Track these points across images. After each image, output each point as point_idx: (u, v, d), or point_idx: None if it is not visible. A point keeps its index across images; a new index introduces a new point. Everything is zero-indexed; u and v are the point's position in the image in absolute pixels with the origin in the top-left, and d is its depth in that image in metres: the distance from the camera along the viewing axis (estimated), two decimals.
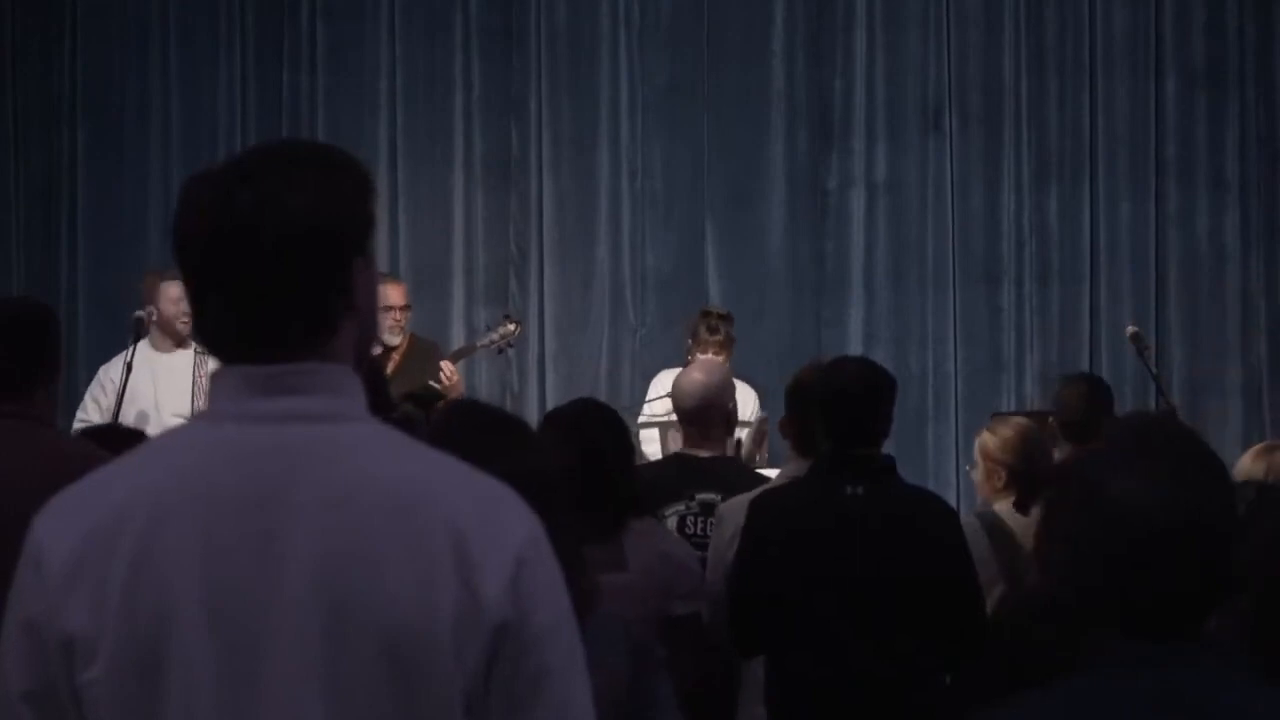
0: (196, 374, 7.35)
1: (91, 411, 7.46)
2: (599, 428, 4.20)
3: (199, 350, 7.32)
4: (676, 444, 5.87)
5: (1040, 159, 9.20)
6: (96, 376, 7.70)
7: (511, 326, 8.22)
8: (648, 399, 7.89)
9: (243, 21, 9.51)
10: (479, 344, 8.33)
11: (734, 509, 4.94)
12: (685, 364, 8.41)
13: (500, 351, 8.41)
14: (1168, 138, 9.15)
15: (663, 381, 8.18)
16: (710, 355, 8.32)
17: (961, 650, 4.38)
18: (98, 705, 1.78)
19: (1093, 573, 1.85)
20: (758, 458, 7.62)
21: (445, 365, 7.75)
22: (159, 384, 7.42)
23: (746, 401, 8.36)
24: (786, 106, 9.32)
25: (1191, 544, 1.82)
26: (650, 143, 9.36)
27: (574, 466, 3.95)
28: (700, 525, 5.19)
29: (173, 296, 7.34)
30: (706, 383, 5.50)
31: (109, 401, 7.37)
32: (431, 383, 7.64)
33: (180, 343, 7.45)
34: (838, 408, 4.50)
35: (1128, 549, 1.83)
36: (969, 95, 9.23)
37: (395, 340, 7.91)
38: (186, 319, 7.29)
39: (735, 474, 5.37)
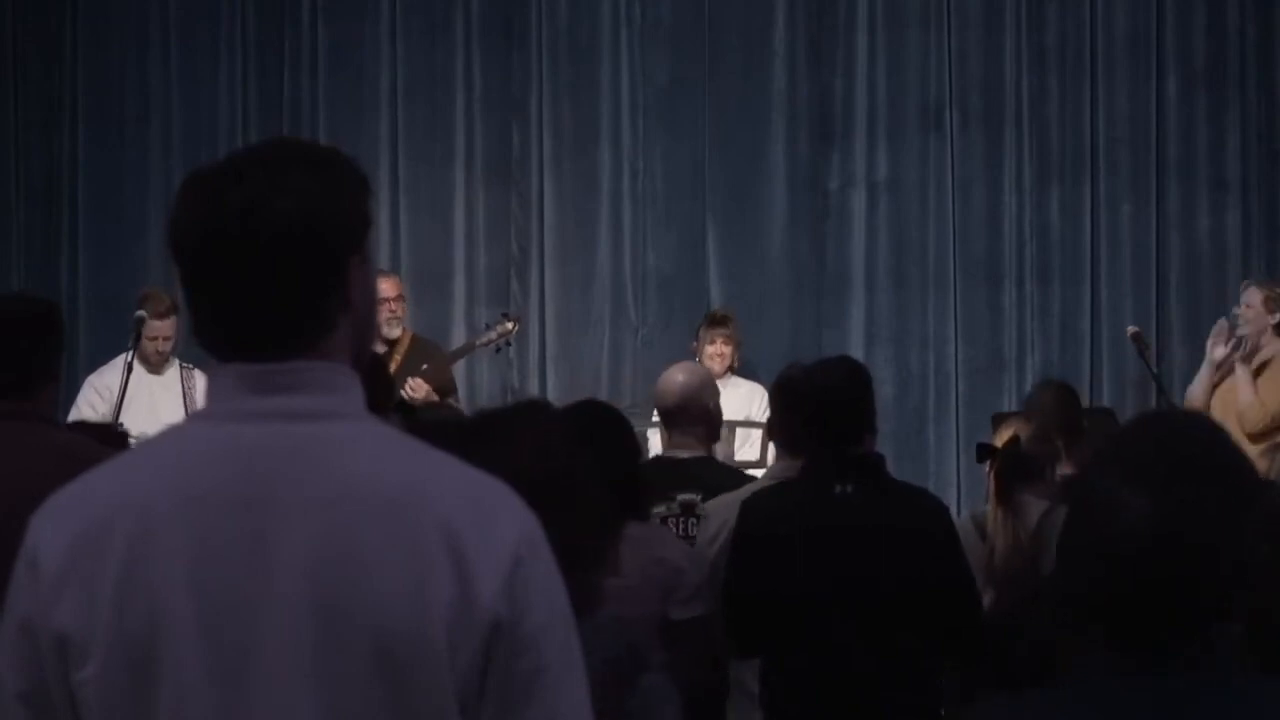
0: (184, 386, 7.47)
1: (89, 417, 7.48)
2: (603, 429, 4.20)
3: (184, 365, 7.51)
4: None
5: (1041, 159, 9.20)
6: (90, 383, 7.73)
7: (509, 325, 8.26)
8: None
9: (243, 21, 9.51)
10: (477, 342, 8.38)
11: (717, 508, 4.95)
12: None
13: (498, 350, 8.45)
14: (1168, 138, 9.14)
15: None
16: (720, 343, 8.35)
17: (959, 649, 4.38)
18: (90, 705, 1.78)
19: (1080, 579, 1.84)
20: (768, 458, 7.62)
21: (410, 382, 7.80)
22: (155, 396, 7.50)
23: (757, 401, 8.37)
24: (787, 106, 9.31)
25: (1173, 555, 1.79)
26: (651, 143, 9.36)
27: (581, 467, 3.95)
28: (681, 526, 5.19)
29: (150, 334, 7.55)
30: (686, 383, 5.50)
31: (106, 408, 7.40)
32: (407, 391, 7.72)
33: (152, 369, 7.65)
34: (830, 409, 4.50)
35: (1110, 558, 1.81)
36: (969, 95, 9.22)
37: (395, 333, 7.98)
38: (160, 354, 7.58)
39: (716, 474, 5.36)
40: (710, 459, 5.53)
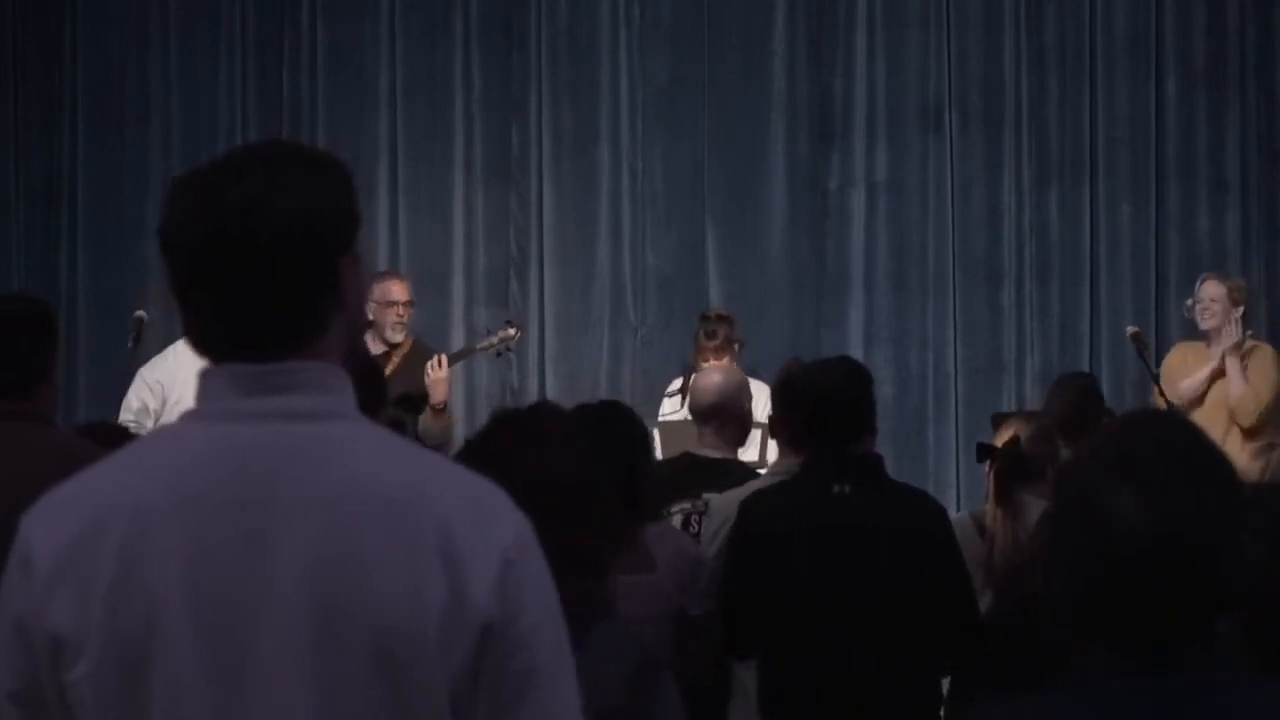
0: None
1: (142, 418, 7.25)
2: (624, 431, 4.23)
3: None
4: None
5: (1040, 159, 9.19)
6: (141, 376, 7.41)
7: (512, 331, 8.23)
8: (662, 411, 7.92)
9: (243, 21, 9.51)
10: (478, 346, 8.35)
11: (721, 506, 4.95)
12: (691, 368, 8.44)
13: (498, 355, 8.43)
14: (1168, 138, 9.14)
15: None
16: (712, 359, 8.35)
17: (957, 650, 4.37)
18: (84, 705, 1.78)
19: (1078, 581, 1.84)
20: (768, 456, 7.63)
21: (437, 359, 7.72)
22: None
23: (760, 400, 8.36)
24: (787, 106, 9.31)
25: (1172, 555, 1.79)
26: (650, 143, 9.36)
27: (602, 471, 3.95)
28: (703, 525, 5.21)
29: None
30: (724, 384, 5.58)
31: (157, 404, 7.27)
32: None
33: None
34: (827, 409, 4.50)
35: (1109, 559, 1.81)
36: (969, 95, 9.22)
37: (399, 338, 7.88)
38: None
39: (743, 477, 5.38)
40: (738, 461, 5.60)
